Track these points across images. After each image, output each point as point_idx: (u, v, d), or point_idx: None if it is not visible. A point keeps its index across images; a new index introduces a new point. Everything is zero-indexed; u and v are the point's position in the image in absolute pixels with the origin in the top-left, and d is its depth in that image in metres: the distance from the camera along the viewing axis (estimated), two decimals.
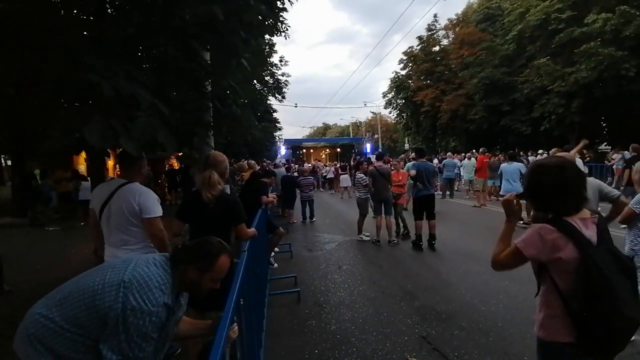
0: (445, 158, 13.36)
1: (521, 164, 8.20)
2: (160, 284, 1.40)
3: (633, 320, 1.39)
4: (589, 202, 2.44)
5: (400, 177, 7.22)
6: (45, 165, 10.72)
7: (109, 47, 3.04)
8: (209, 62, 4.08)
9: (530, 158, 14.03)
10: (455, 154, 16.77)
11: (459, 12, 28.13)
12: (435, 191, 7.20)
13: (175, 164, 15.56)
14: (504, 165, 8.20)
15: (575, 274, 1.42)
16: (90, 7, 3.26)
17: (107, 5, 3.42)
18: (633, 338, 2.80)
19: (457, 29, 26.99)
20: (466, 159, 13.11)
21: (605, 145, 19.24)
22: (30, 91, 2.90)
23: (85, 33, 3.42)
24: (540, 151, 15.68)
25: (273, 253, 5.63)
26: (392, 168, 7.59)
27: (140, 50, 3.90)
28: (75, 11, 3.48)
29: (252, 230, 2.80)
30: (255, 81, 11.46)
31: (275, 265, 5.41)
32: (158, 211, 2.37)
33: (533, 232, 1.50)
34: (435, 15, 27.75)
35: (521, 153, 14.45)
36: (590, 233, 1.45)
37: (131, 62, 3.06)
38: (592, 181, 2.87)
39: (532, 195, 1.58)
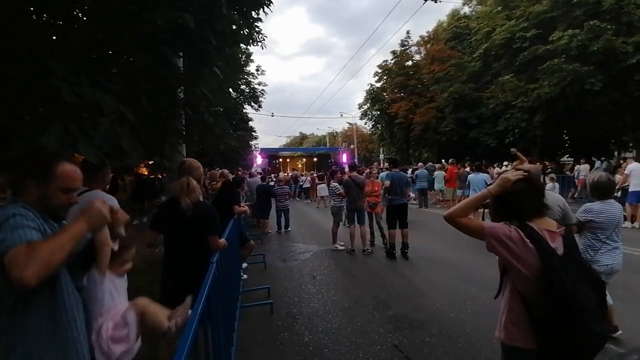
0: (417, 169, 13.66)
1: (487, 174, 8.58)
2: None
3: (600, 336, 1.36)
4: (552, 212, 2.56)
5: (376, 187, 7.31)
6: (11, 174, 10.00)
7: (75, 51, 2.93)
8: (181, 69, 4.01)
9: (497, 170, 14.66)
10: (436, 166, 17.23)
11: (430, 30, 29.45)
12: (409, 201, 7.35)
13: (146, 172, 14.97)
14: (471, 176, 8.55)
15: (537, 283, 1.40)
16: (61, 12, 3.14)
17: (77, 11, 3.31)
18: (606, 345, 2.97)
19: (428, 46, 28.12)
20: (436, 169, 13.47)
21: (568, 157, 20.43)
22: None
23: (54, 38, 3.29)
24: (505, 163, 16.44)
25: (245, 264, 5.51)
26: (370, 177, 7.65)
27: (109, 56, 3.77)
28: (45, 16, 3.35)
29: (223, 240, 2.74)
30: (230, 89, 11.35)
31: (245, 276, 5.30)
32: None
33: (503, 227, 1.49)
34: (408, 32, 28.82)
35: (488, 165, 15.00)
36: (556, 245, 1.45)
37: (98, 68, 2.96)
38: (557, 197, 2.92)
39: (498, 201, 1.59)
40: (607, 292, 3.06)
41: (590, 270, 1.46)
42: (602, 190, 3.02)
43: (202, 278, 1.78)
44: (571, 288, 1.32)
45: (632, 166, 8.01)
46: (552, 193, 2.89)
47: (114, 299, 1.47)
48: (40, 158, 1.45)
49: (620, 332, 3.12)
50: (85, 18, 3.50)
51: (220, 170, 9.64)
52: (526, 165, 3.01)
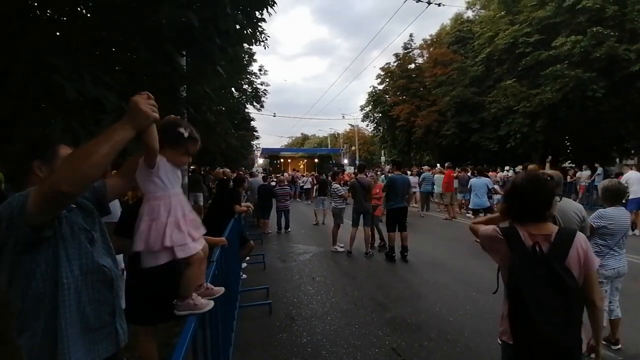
0: (422, 172, 13.43)
1: (488, 179, 8.56)
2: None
3: (550, 338, 1.36)
4: (569, 220, 2.53)
5: (377, 190, 7.30)
6: (14, 165, 10.00)
7: (78, 48, 2.93)
8: (184, 67, 4.02)
9: (500, 174, 14.63)
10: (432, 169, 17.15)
11: (433, 34, 29.50)
12: (409, 205, 7.32)
13: None
14: (473, 180, 8.52)
15: (509, 279, 1.51)
16: (65, 7, 3.15)
17: (81, 7, 3.32)
18: (603, 353, 2.93)
19: (431, 49, 28.14)
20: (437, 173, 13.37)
21: (570, 163, 20.37)
22: None
23: (57, 33, 3.30)
24: (507, 167, 16.41)
25: (245, 264, 5.51)
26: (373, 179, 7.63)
27: (112, 52, 3.78)
28: (48, 11, 3.36)
29: (221, 238, 2.73)
30: (233, 89, 11.35)
31: (244, 276, 5.29)
32: (114, 216, 2.29)
33: (489, 227, 1.68)
34: (411, 35, 28.84)
35: (488, 170, 14.95)
36: (530, 244, 1.46)
37: (101, 65, 2.97)
38: (575, 205, 2.80)
39: (509, 202, 1.68)
40: (617, 305, 3.05)
41: (566, 276, 1.39)
42: (614, 195, 3.01)
43: (172, 280, 1.66)
44: (521, 284, 1.41)
45: (628, 175, 8.07)
46: (569, 200, 2.86)
47: (167, 189, 1.36)
48: (45, 141, 1.47)
49: (620, 346, 3.10)
50: (88, 15, 3.51)
51: (222, 170, 9.65)
52: (549, 171, 2.99)
